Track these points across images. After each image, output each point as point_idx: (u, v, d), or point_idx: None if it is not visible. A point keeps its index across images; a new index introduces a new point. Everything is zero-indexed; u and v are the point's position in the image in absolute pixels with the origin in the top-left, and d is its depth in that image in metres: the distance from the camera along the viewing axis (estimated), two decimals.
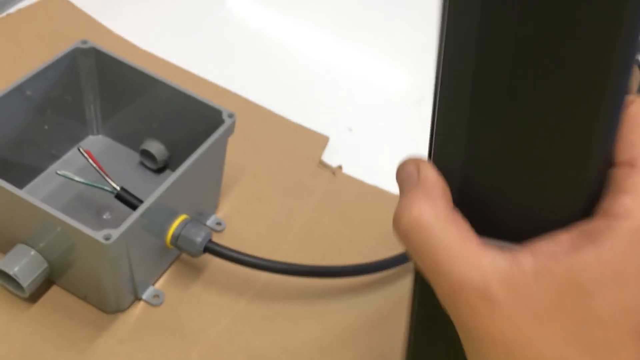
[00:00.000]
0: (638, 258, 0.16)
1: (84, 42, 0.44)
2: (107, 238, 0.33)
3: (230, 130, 0.41)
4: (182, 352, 0.39)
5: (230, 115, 0.41)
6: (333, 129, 0.54)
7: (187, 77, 0.56)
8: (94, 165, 0.41)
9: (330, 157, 0.53)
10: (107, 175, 0.41)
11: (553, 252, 0.17)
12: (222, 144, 0.42)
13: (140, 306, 0.41)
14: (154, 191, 0.36)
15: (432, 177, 0.20)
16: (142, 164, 0.48)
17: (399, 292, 0.45)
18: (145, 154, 0.47)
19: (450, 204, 0.20)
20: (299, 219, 0.48)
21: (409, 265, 0.46)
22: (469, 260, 0.18)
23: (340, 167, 0.52)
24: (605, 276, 0.16)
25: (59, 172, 0.41)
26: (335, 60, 0.62)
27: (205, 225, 0.46)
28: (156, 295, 0.41)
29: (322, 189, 0.50)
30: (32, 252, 0.38)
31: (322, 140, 0.53)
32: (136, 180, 0.47)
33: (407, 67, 0.63)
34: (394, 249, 0.46)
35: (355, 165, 0.52)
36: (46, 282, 0.40)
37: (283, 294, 0.44)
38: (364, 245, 0.47)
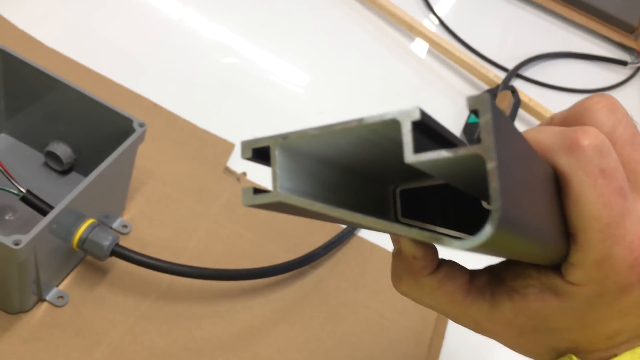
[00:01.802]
0: (589, 314, 0.23)
1: None
2: (16, 243, 0.34)
3: (140, 139, 0.43)
4: (86, 351, 0.41)
5: (142, 125, 0.43)
6: (239, 136, 0.57)
7: (94, 78, 0.56)
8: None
9: (236, 163, 0.55)
10: (12, 178, 0.41)
11: (525, 294, 0.24)
12: (132, 151, 0.44)
13: (44, 307, 0.42)
14: (64, 196, 0.38)
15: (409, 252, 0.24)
16: (46, 164, 0.49)
17: (294, 293, 0.49)
18: (51, 155, 0.48)
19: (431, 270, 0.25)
20: (204, 223, 0.50)
21: (305, 269, 0.50)
22: (462, 314, 0.25)
23: (244, 174, 0.55)
24: (566, 323, 0.24)
25: None
26: (247, 69, 0.65)
27: (111, 228, 0.47)
28: (60, 297, 0.42)
29: (227, 194, 0.53)
30: None
31: (228, 147, 0.56)
32: (40, 181, 0.47)
33: (309, 80, 0.67)
34: (292, 252, 0.50)
35: (259, 172, 0.55)
36: None
37: (186, 295, 0.46)
38: (265, 249, 0.50)
